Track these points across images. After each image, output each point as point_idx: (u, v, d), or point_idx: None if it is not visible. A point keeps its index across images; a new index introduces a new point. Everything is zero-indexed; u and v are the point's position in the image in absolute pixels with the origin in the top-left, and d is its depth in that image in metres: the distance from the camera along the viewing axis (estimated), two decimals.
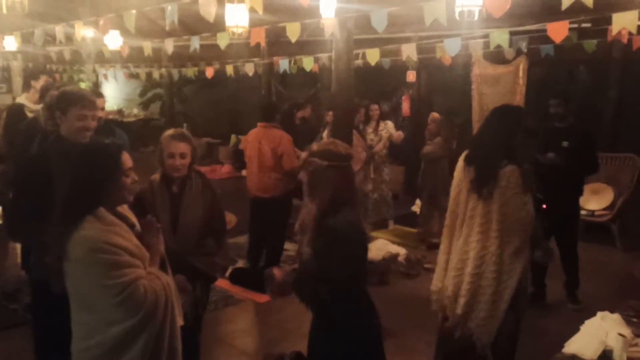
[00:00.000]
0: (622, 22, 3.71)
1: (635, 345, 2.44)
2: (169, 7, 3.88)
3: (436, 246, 6.29)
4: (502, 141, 3.01)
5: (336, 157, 2.26)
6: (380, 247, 5.48)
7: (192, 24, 6.46)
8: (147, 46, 6.02)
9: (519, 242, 2.87)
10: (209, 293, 3.15)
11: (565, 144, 4.48)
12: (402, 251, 5.62)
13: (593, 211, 6.08)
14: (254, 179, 5.14)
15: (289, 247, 5.56)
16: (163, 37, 6.29)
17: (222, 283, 4.89)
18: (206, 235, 2.91)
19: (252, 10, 4.11)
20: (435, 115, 6.36)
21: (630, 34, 4.89)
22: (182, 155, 2.85)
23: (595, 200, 6.11)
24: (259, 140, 5.07)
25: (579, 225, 4.92)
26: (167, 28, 4.20)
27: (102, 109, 3.74)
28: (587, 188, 6.15)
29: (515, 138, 3.02)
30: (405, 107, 7.86)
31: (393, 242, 5.86)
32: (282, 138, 5.02)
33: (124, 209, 2.26)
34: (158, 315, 2.06)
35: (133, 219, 2.26)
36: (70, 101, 2.76)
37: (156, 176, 2.94)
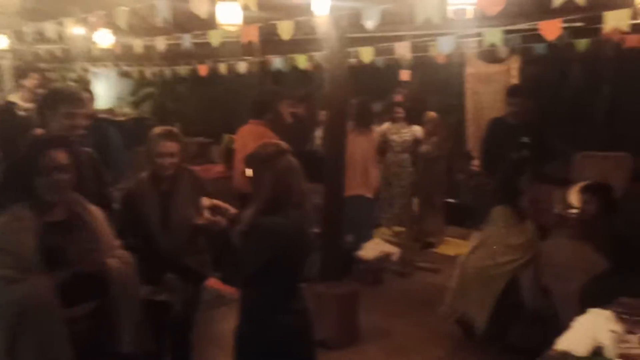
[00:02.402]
0: (614, 21, 3.72)
1: (627, 341, 2.43)
2: (160, 4, 3.84)
3: (430, 245, 6.35)
4: None
5: (266, 158, 2.28)
6: (374, 246, 5.47)
7: (184, 21, 6.42)
8: (138, 44, 5.98)
9: None
10: (201, 292, 3.12)
11: (525, 139, 4.63)
12: (395, 250, 5.61)
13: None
14: (238, 174, 5.18)
15: None
16: (154, 35, 6.24)
17: (215, 283, 4.85)
18: (197, 234, 2.88)
19: (245, 7, 4.10)
20: (431, 114, 6.35)
21: (622, 32, 4.92)
22: (171, 155, 2.82)
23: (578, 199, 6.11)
24: (245, 136, 5.11)
25: None
26: (160, 25, 4.17)
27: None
28: (579, 187, 6.16)
29: None
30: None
31: (387, 241, 5.85)
32: (264, 135, 5.05)
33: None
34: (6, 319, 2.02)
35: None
36: (58, 99, 2.73)
37: (145, 175, 2.91)
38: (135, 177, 3.04)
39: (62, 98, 2.73)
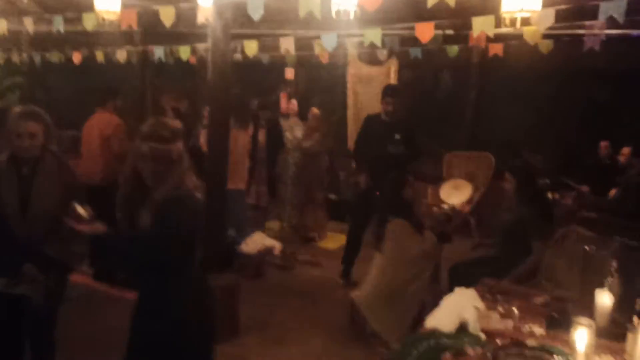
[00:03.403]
0: (481, 26, 4.03)
1: (488, 317, 2.64)
2: None
3: (312, 240, 6.47)
4: None
5: (175, 135, 2.20)
6: (256, 240, 5.47)
7: (54, 4, 5.99)
8: (2, 25, 5.48)
9: None
10: (66, 284, 2.90)
11: (397, 136, 4.93)
12: (277, 244, 5.65)
13: (454, 205, 6.53)
14: (86, 166, 4.96)
15: None
16: (21, 17, 5.76)
17: (83, 279, 4.60)
18: (62, 221, 2.69)
19: None
20: (314, 111, 6.46)
21: (487, 40, 5.35)
22: (31, 135, 2.60)
23: (456, 195, 6.57)
24: (91, 126, 4.99)
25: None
26: (26, 4, 3.84)
27: None
28: (448, 184, 6.62)
29: None
30: (283, 104, 7.91)
31: (268, 236, 5.88)
32: (110, 121, 4.96)
33: None
34: None
35: None
36: None
37: (3, 156, 2.67)
38: None
39: None
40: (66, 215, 2.43)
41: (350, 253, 5.28)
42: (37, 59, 8.74)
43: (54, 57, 8.22)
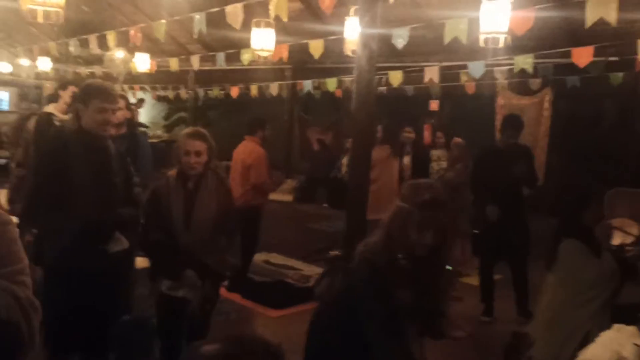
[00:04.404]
0: None
1: None
2: (197, 16, 3.96)
3: (457, 274, 6.18)
4: None
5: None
6: None
7: (216, 45, 6.59)
8: (174, 62, 6.15)
9: None
10: (219, 291, 3.09)
11: (518, 164, 4.50)
12: None
13: (616, 246, 5.91)
14: (234, 187, 5.20)
15: (303, 268, 5.67)
16: (189, 56, 6.43)
17: (234, 296, 4.85)
18: (219, 233, 2.88)
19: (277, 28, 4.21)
20: (457, 140, 6.27)
21: None
22: (197, 153, 2.84)
23: (620, 235, 5.94)
24: (239, 152, 5.21)
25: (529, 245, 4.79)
26: (195, 36, 4.29)
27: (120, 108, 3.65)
28: (611, 223, 6.01)
29: None
30: (427, 135, 7.82)
31: None
32: (253, 151, 5.09)
33: None
34: None
35: None
36: (91, 93, 2.76)
37: (173, 172, 2.94)
38: (164, 175, 3.06)
39: (95, 93, 2.75)
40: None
41: (485, 290, 4.98)
42: (200, 94, 9.68)
43: (215, 92, 9.02)
